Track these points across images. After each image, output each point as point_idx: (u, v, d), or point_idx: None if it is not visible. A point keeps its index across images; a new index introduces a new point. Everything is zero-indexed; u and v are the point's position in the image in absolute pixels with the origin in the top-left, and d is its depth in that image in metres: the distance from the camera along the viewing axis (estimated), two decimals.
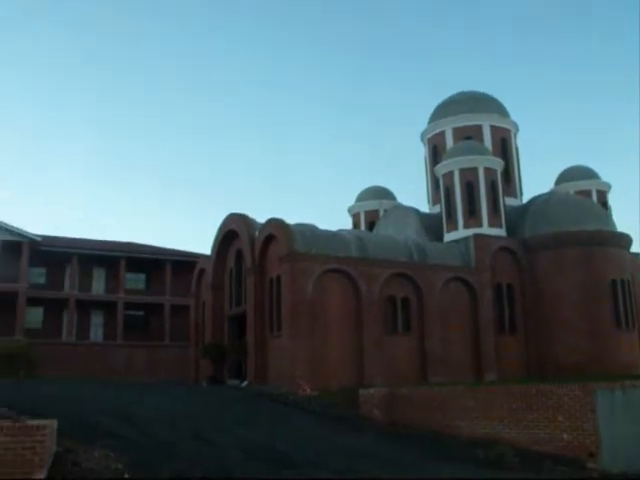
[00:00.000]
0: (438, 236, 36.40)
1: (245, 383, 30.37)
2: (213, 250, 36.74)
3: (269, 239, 31.11)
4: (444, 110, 41.92)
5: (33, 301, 44.20)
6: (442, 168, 36.84)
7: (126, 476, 11.41)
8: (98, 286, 48.29)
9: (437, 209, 38.73)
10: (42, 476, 10.29)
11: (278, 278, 29.89)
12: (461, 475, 14.09)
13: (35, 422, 10.91)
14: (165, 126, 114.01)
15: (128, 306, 47.06)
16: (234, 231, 34.57)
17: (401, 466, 14.45)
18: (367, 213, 44.15)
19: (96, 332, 47.68)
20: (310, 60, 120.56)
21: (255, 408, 22.56)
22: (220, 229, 36.06)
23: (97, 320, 47.91)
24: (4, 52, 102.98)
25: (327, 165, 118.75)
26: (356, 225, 44.15)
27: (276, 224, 30.79)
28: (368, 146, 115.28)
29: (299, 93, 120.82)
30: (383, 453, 15.93)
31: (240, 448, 14.66)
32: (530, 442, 16.53)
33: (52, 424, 11.12)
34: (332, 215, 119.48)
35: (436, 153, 41.16)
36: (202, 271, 38.80)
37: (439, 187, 37.65)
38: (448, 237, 35.84)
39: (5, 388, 19.74)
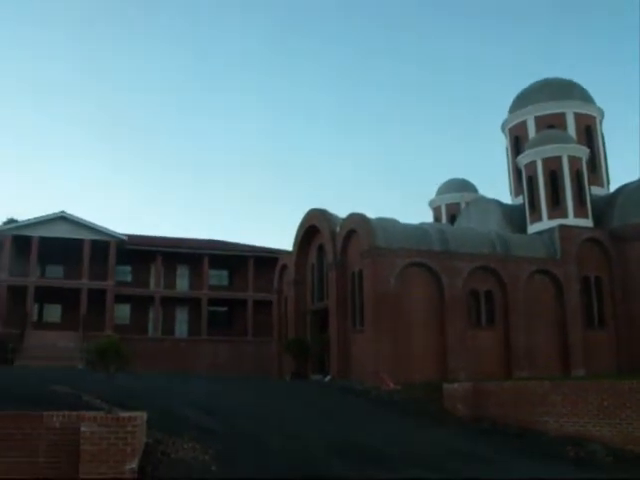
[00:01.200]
0: (521, 228, 35.61)
1: (328, 378, 30.43)
2: (295, 246, 36.94)
3: (350, 234, 31.08)
4: (525, 99, 40.89)
5: (120, 298, 45.47)
6: (524, 158, 36.01)
7: (213, 468, 11.58)
8: (182, 283, 49.28)
9: (520, 200, 37.89)
10: (134, 465, 10.57)
11: (360, 273, 29.83)
12: (558, 475, 13.67)
13: (126, 414, 11.20)
14: (244, 123, 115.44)
15: (212, 302, 47.82)
16: (315, 227, 34.69)
17: (490, 463, 14.15)
18: (448, 206, 43.62)
19: (181, 328, 48.65)
20: (389, 50, 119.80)
21: (338, 403, 22.55)
22: (301, 225, 36.24)
23: (182, 316, 48.87)
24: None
25: (407, 158, 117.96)
26: (437, 218, 43.67)
27: (357, 219, 30.72)
28: (448, 138, 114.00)
29: (373, 83, 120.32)
30: (469, 449, 15.68)
31: (325, 442, 14.67)
32: (623, 441, 15.93)
33: (142, 416, 11.39)
34: (412, 209, 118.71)
35: (518, 143, 40.24)
36: (284, 267, 39.08)
37: (521, 178, 36.84)
38: (532, 229, 35.01)
39: (98, 381, 20.33)
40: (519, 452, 15.65)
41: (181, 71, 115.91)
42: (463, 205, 42.52)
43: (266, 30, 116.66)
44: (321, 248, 34.32)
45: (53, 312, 46.26)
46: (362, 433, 16.32)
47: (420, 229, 31.68)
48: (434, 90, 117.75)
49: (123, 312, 46.75)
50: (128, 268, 48.06)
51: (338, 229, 32.30)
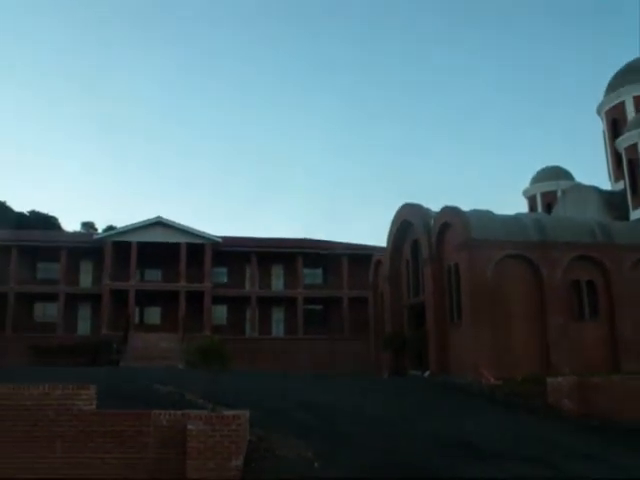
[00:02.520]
0: (623, 214, 34.19)
1: (427, 373, 30.08)
2: (388, 241, 36.68)
3: (445, 227, 30.60)
4: (622, 79, 39.12)
5: (218, 299, 46.31)
6: (624, 141, 34.56)
7: (316, 465, 11.57)
8: (277, 283, 49.74)
9: (620, 186, 36.38)
10: (239, 462, 10.67)
11: (456, 266, 29.33)
12: None
13: (231, 412, 11.33)
14: (335, 120, 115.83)
15: (307, 301, 48.06)
16: (409, 221, 34.33)
17: (602, 461, 13.57)
18: (544, 195, 42.42)
19: (277, 327, 49.12)
20: (479, 42, 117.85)
21: (439, 398, 22.24)
22: (394, 220, 35.94)
23: (278, 316, 49.34)
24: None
25: (498, 149, 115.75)
26: (532, 208, 42.53)
27: (451, 211, 30.22)
28: (541, 126, 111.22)
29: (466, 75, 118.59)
30: (577, 445, 15.13)
31: (426, 438, 14.47)
32: None
33: (245, 414, 11.50)
34: (505, 200, 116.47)
35: (616, 126, 38.64)
36: (378, 263, 38.88)
37: (621, 162, 35.41)
38: (634, 215, 33.58)
39: (199, 380, 20.70)
40: (633, 450, 14.96)
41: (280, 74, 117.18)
42: (559, 193, 41.24)
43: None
44: (415, 243, 33.94)
45: (153, 314, 47.53)
46: (464, 429, 16.00)
47: (516, 219, 30.87)
48: (525, 78, 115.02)
49: (220, 313, 47.60)
50: (224, 270, 48.87)
51: (432, 223, 31.87)
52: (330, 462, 11.80)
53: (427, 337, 31.07)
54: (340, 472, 11.37)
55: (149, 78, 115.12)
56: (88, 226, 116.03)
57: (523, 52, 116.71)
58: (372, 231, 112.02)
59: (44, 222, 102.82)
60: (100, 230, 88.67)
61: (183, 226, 45.93)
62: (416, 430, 15.50)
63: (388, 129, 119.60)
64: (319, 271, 51.10)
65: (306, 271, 49.14)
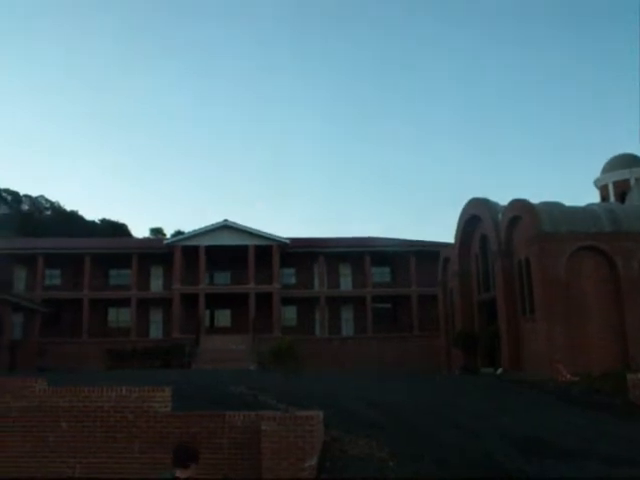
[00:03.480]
0: None
1: (500, 371, 29.55)
2: (456, 237, 36.21)
3: (514, 221, 30.00)
4: None
5: (286, 300, 46.56)
6: None
7: (390, 464, 11.45)
8: (345, 282, 49.70)
9: None
10: (313, 462, 10.65)
11: (527, 260, 28.71)
12: None
13: (304, 413, 11.32)
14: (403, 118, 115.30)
15: (376, 299, 47.88)
16: (476, 216, 33.81)
17: None
18: (616, 184, 41.11)
19: (347, 327, 49.07)
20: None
21: (512, 396, 21.75)
22: (462, 215, 35.45)
23: (347, 315, 49.28)
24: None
25: (565, 140, 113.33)
26: (604, 198, 41.34)
27: (520, 205, 29.60)
28: (609, 112, 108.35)
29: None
30: None
31: (502, 437, 14.15)
32: None
33: (319, 415, 11.47)
34: (574, 191, 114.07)
35: None
36: (447, 259, 38.43)
37: None
38: None
39: (271, 381, 20.78)
40: None
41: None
42: (632, 181, 39.97)
43: None
44: (484, 238, 33.40)
45: (223, 317, 48.12)
46: (540, 427, 15.58)
47: (587, 210, 30.02)
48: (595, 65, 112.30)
49: (290, 314, 47.86)
50: (292, 270, 49.14)
51: (500, 217, 31.29)
52: (404, 461, 11.67)
53: (499, 333, 30.53)
54: (414, 471, 11.23)
55: (217, 84, 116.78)
56: (157, 232, 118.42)
57: (587, 40, 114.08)
58: (439, 228, 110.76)
59: (114, 230, 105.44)
60: (168, 235, 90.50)
61: (250, 228, 46.36)
62: (490, 428, 15.19)
63: (453, 124, 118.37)
64: (387, 269, 50.86)
65: (374, 270, 48.95)
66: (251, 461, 11.29)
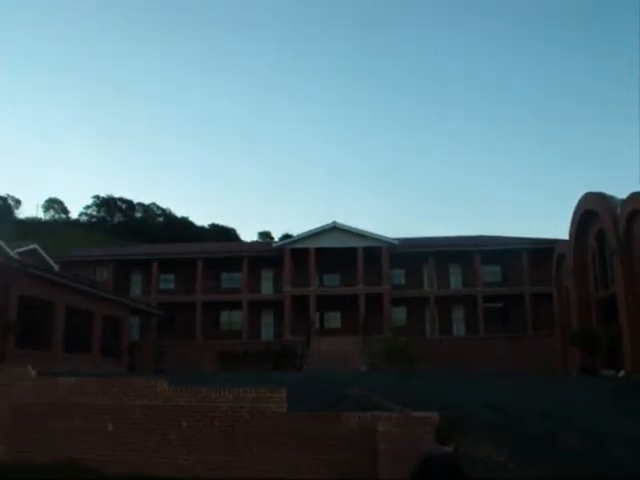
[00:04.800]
0: None
1: (622, 373, 28.22)
2: (571, 233, 34.91)
3: (634, 215, 28.62)
4: None
5: (396, 301, 46.28)
6: None
7: (510, 467, 11.17)
8: (455, 282, 48.95)
9: None
10: None
11: None
12: None
13: (420, 414, 11.14)
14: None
15: (487, 299, 46.91)
16: (592, 211, 32.49)
17: None
18: None
19: (457, 327, 48.32)
20: None
21: (637, 399, 20.73)
22: (576, 210, 34.13)
23: (457, 315, 48.52)
24: None
25: None
26: None
27: None
28: None
29: None
30: None
31: (627, 441, 13.50)
32: None
33: (435, 416, 11.27)
34: None
35: None
36: (561, 256, 37.14)
37: None
38: None
39: (384, 382, 20.66)
40: None
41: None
42: None
43: None
44: (600, 233, 32.05)
45: (334, 318, 48.31)
46: None
47: None
48: None
49: (400, 314, 47.54)
50: (401, 271, 48.76)
51: (618, 211, 29.95)
52: (523, 463, 11.33)
53: (620, 333, 29.19)
54: (534, 473, 10.87)
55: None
56: (265, 235, 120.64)
57: None
58: (550, 224, 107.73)
59: (223, 234, 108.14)
60: (276, 238, 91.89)
61: (359, 230, 46.43)
62: (614, 432, 14.50)
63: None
64: (497, 268, 49.66)
65: (485, 268, 47.96)
66: (367, 462, 11.22)
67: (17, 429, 14.01)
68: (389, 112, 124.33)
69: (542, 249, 44.80)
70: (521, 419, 15.58)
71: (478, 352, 42.82)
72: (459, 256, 48.19)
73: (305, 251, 46.07)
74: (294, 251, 46.62)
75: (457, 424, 13.14)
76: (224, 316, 49.27)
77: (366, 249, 45.89)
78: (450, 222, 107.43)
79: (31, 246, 39.56)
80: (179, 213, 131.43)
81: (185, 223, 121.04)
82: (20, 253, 33.70)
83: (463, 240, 50.29)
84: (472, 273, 47.53)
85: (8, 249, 31.50)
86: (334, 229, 46.55)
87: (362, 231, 46.47)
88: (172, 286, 50.01)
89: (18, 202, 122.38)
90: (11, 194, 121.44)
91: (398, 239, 46.96)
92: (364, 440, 11.31)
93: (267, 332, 47.89)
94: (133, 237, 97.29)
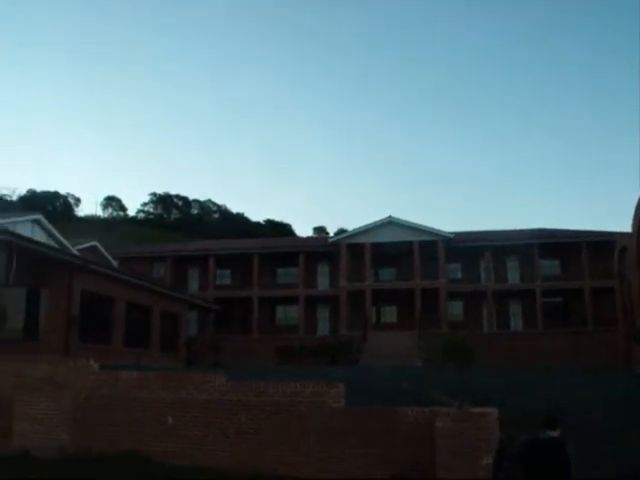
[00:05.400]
0: None
1: None
2: (634, 225, 33.99)
3: None
4: None
5: (452, 296, 45.84)
6: None
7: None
8: (513, 276, 48.17)
9: None
10: (489, 461, 10.29)
11: None
12: None
13: (479, 410, 10.99)
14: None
15: (545, 293, 46.10)
16: None
17: None
18: None
19: (515, 321, 47.64)
20: None
21: None
22: (639, 204, 33.32)
23: (515, 309, 47.83)
24: None
25: None
26: None
27: None
28: None
29: None
30: None
31: None
32: None
33: (494, 412, 11.13)
34: None
35: None
36: (624, 249, 36.23)
37: None
38: None
39: (442, 377, 20.50)
40: None
41: None
42: None
43: None
44: None
45: (389, 313, 48.13)
46: None
47: None
48: None
49: (456, 309, 47.08)
50: (458, 265, 48.28)
51: None
52: (586, 462, 11.05)
53: None
54: (598, 472, 10.62)
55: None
56: (320, 230, 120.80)
57: None
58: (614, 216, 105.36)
59: (278, 229, 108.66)
60: (331, 233, 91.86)
61: (414, 224, 46.11)
62: None
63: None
64: (556, 262, 48.69)
65: (543, 262, 47.10)
66: (425, 459, 11.13)
67: (80, 420, 14.35)
68: (440, 114, 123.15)
69: (602, 242, 43.68)
70: (588, 416, 15.23)
71: (536, 347, 42.08)
72: (517, 250, 47.31)
73: (361, 246, 45.97)
74: (350, 246, 46.56)
75: (516, 420, 12.96)
76: (280, 311, 49.52)
77: (422, 243, 45.56)
78: (504, 217, 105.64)
79: (91, 243, 40.46)
80: (234, 209, 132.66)
81: (241, 219, 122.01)
82: (81, 250, 34.44)
83: (520, 233, 49.49)
84: (530, 267, 46.71)
85: (70, 246, 32.19)
86: (389, 223, 46.34)
87: (418, 225, 46.14)
88: (228, 281, 50.47)
89: (78, 200, 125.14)
90: (71, 193, 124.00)
91: (454, 233, 46.50)
92: (422, 436, 11.23)
93: (323, 327, 47.96)
94: (189, 233, 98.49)
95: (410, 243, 45.51)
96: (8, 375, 15.46)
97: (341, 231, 76.44)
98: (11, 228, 25.10)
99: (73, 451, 14.08)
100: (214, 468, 12.70)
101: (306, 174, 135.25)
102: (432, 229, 46.10)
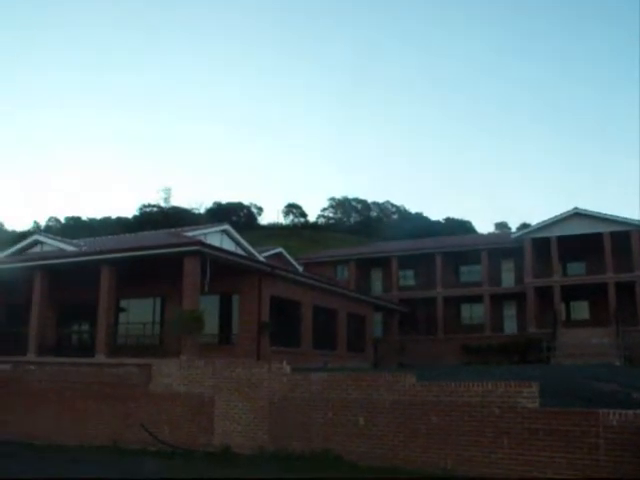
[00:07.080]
0: None
1: None
2: None
3: None
4: None
5: None
6: None
7: None
8: None
9: None
10: None
11: None
12: None
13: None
14: None
15: None
16: None
17: None
18: None
19: None
20: None
21: None
22: None
23: None
24: None
25: None
26: None
27: None
28: None
29: None
30: None
31: None
32: None
33: None
34: None
35: None
36: None
37: None
38: None
39: None
40: None
41: None
42: None
43: None
44: None
45: (580, 309, 45.93)
46: None
47: None
48: None
49: None
50: None
51: None
52: None
53: None
54: None
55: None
56: (501, 226, 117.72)
57: None
58: None
59: (459, 227, 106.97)
60: (513, 229, 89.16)
61: (603, 214, 43.58)
62: None
63: None
64: None
65: None
66: (630, 464, 10.49)
67: (276, 420, 14.95)
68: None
69: None
70: None
71: None
72: None
73: (546, 240, 44.22)
74: (534, 240, 44.92)
75: None
76: (465, 310, 48.71)
77: (613, 234, 42.97)
78: None
79: (277, 249, 41.90)
80: (413, 209, 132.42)
81: (420, 218, 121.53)
82: (267, 257, 35.71)
83: None
84: None
85: (256, 253, 33.48)
86: (575, 215, 44.12)
87: (607, 215, 43.52)
88: (412, 282, 50.36)
89: (260, 209, 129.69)
90: (254, 202, 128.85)
91: None
92: (627, 440, 10.58)
93: (510, 325, 46.58)
94: (369, 235, 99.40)
95: (599, 234, 43.07)
96: (207, 377, 16.46)
97: (524, 225, 74.12)
98: (203, 239, 26.51)
99: (272, 449, 14.75)
100: (405, 468, 12.73)
101: (483, 169, 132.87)
102: (624, 218, 43.33)
